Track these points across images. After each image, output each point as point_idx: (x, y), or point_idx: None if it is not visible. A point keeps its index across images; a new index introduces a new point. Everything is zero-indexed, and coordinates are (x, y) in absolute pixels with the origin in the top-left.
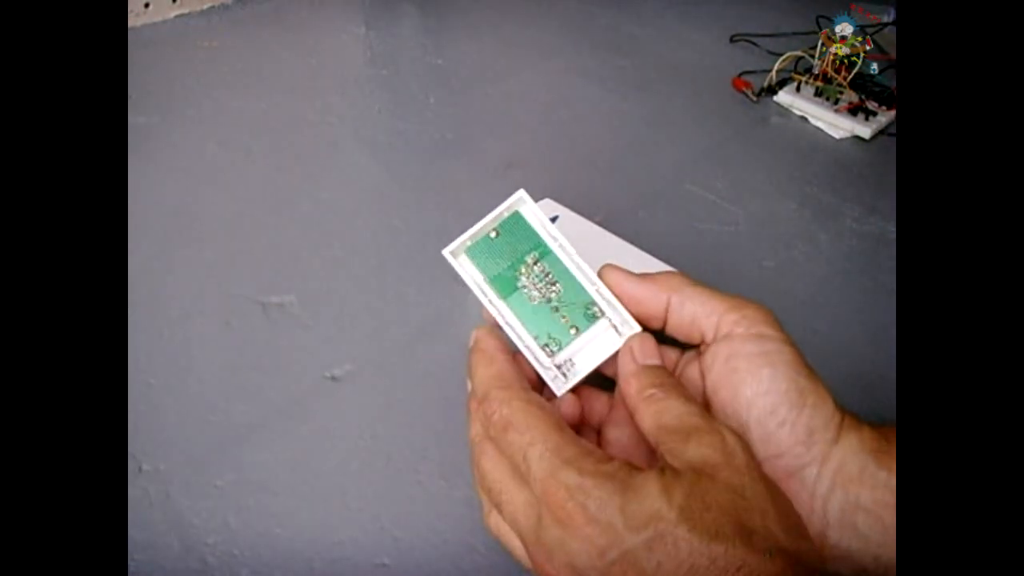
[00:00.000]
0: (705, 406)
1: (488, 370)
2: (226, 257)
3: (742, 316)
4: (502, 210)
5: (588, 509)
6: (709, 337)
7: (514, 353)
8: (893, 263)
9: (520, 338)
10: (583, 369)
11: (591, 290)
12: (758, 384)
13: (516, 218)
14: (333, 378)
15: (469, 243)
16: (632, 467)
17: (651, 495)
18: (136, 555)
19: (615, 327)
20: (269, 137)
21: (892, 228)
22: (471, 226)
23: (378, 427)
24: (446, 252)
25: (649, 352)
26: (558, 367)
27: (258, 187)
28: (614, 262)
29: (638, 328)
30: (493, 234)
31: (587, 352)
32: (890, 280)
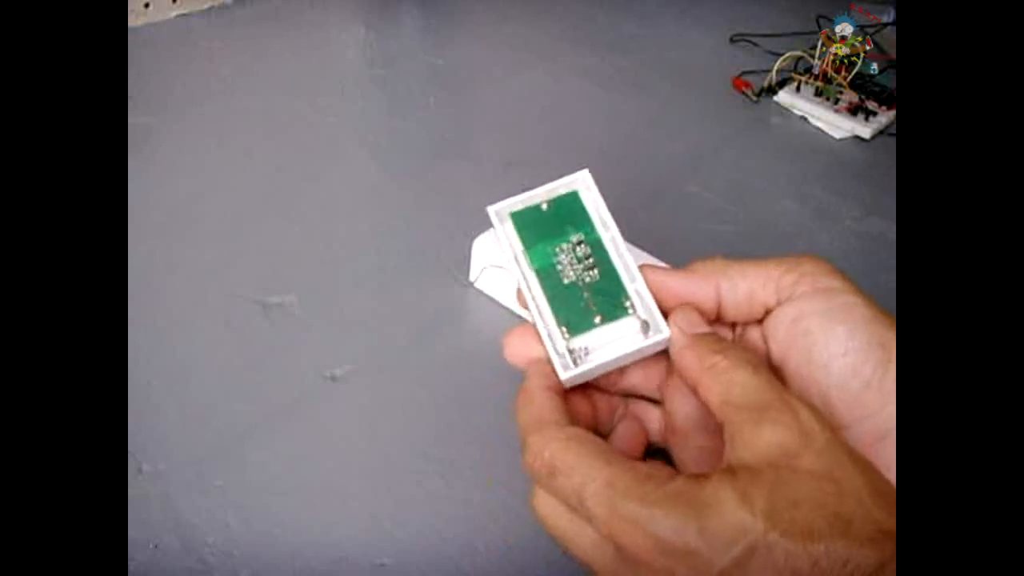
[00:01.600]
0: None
1: (525, 412)
2: (226, 257)
3: (801, 274)
4: (559, 185)
5: (663, 540)
6: (772, 306)
7: (557, 388)
8: (893, 263)
9: (540, 312)
10: (596, 359)
11: (629, 286)
12: (835, 344)
13: (573, 198)
14: (333, 378)
15: (519, 207)
16: (699, 477)
17: (729, 506)
18: (136, 555)
19: (643, 327)
20: (269, 137)
21: (892, 228)
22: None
23: (378, 427)
24: (491, 210)
25: (695, 321)
26: (571, 352)
27: (258, 187)
28: None
29: (668, 333)
30: (544, 206)
31: (607, 345)
32: (890, 280)
